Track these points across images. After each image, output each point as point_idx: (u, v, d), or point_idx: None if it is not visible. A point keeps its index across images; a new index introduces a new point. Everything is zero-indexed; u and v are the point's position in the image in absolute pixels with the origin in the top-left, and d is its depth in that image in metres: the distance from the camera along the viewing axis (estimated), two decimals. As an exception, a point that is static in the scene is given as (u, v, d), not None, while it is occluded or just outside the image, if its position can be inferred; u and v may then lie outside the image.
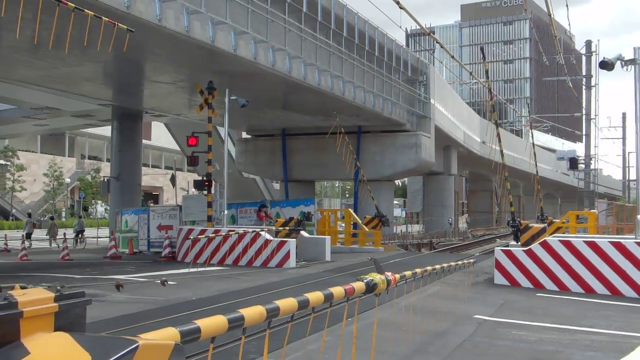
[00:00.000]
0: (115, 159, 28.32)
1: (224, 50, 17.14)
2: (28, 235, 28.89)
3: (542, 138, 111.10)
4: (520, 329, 8.35)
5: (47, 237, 30.28)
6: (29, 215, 35.31)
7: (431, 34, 23.20)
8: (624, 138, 49.55)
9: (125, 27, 10.93)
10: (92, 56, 18.03)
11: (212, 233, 17.71)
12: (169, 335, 2.49)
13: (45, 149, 64.97)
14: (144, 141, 32.55)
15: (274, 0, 19.23)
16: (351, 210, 26.12)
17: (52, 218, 34.77)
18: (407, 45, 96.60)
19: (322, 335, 5.85)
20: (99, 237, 30.35)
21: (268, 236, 17.45)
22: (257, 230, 17.74)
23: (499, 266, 13.33)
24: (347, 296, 4.38)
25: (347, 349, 5.31)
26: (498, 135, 18.04)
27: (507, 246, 15.65)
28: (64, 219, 59.87)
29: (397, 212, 65.80)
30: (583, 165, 34.79)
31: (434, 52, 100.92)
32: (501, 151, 17.69)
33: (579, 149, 55.15)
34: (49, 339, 2.14)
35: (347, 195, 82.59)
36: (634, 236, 13.35)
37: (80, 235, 30.99)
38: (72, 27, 10.01)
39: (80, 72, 19.78)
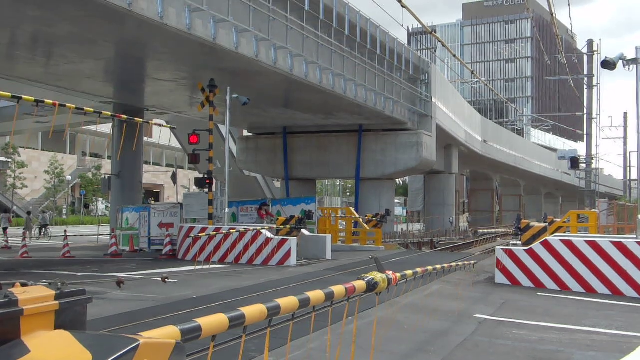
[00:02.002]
0: (117, 156, 28.30)
1: (225, 48, 17.13)
2: (4, 230, 29.89)
3: (544, 137, 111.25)
4: (521, 329, 8.34)
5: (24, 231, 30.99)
6: (6, 210, 35.85)
7: (433, 32, 23.16)
8: (625, 137, 49.55)
9: (169, 125, 11.17)
10: (94, 53, 18.06)
11: (213, 231, 17.71)
12: (169, 333, 2.49)
13: (46, 146, 64.95)
14: (145, 139, 32.55)
15: (276, -2, 19.21)
16: (352, 209, 26.11)
17: (28, 213, 35.42)
18: (409, 43, 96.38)
19: (324, 334, 5.86)
20: (100, 235, 30.36)
21: (269, 234, 17.45)
22: (258, 228, 17.73)
23: (499, 265, 13.32)
24: (348, 295, 4.38)
25: (348, 348, 5.30)
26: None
27: (508, 245, 15.65)
28: (64, 217, 59.91)
29: (398, 210, 65.82)
30: (584, 165, 34.72)
31: (435, 50, 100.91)
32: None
33: (580, 148, 55.14)
34: (49, 337, 2.14)
35: (348, 193, 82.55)
36: (635, 236, 13.34)
37: (44, 229, 32.45)
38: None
39: (81, 69, 19.80)
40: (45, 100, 9.52)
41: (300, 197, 25.47)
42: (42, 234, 33.27)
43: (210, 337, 2.87)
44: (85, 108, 10.29)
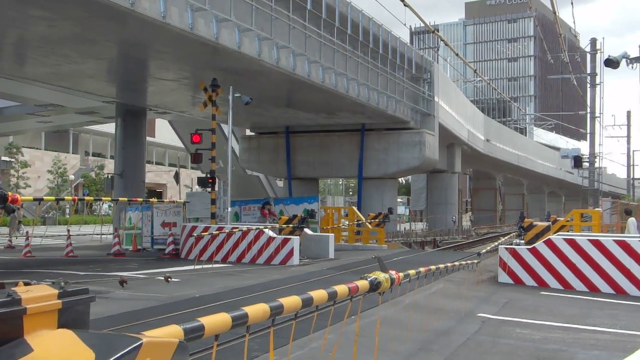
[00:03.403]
0: (119, 156, 28.33)
1: (227, 48, 17.13)
2: None
3: (547, 136, 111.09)
4: (524, 328, 8.32)
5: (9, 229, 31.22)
6: None
7: (435, 31, 23.12)
8: (628, 136, 49.50)
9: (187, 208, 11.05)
10: (96, 53, 18.08)
11: (216, 230, 17.72)
12: (172, 332, 2.48)
13: (49, 145, 65.06)
14: (147, 138, 32.58)
15: (278, -2, 19.21)
16: (355, 208, 26.09)
17: (13, 211, 35.63)
18: (412, 43, 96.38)
19: (325, 333, 5.85)
20: (103, 234, 30.39)
21: (271, 233, 17.44)
22: (260, 227, 17.73)
23: (503, 264, 13.30)
24: (351, 294, 4.37)
25: (350, 347, 5.30)
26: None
27: (511, 244, 15.62)
28: (68, 216, 59.97)
29: (401, 209, 65.75)
30: (587, 164, 34.68)
31: (438, 49, 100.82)
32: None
33: (583, 147, 55.12)
34: (52, 336, 2.14)
35: (350, 192, 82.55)
36: (638, 235, 13.31)
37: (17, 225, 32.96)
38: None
39: (84, 69, 19.81)
40: (64, 197, 9.55)
41: (302, 197, 25.47)
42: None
43: (213, 336, 2.87)
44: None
